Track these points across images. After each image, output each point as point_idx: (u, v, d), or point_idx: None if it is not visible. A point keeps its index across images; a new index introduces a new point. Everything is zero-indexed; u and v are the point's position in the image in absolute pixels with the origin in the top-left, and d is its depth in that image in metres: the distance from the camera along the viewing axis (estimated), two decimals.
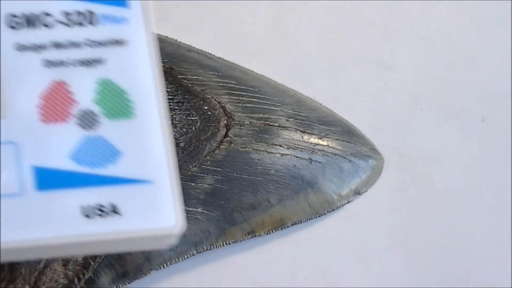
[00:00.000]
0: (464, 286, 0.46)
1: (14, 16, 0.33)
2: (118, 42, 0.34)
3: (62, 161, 0.32)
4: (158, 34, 0.42)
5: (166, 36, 0.45)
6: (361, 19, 0.50)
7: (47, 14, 0.33)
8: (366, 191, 0.46)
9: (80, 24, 0.34)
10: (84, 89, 0.33)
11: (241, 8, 0.49)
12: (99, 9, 0.34)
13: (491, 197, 0.48)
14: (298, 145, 0.45)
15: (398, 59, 0.50)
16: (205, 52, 0.45)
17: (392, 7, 0.51)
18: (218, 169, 0.44)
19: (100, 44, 0.34)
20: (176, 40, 0.45)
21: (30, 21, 0.33)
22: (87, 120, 0.33)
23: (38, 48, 0.33)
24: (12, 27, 0.33)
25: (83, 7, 0.34)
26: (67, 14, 0.34)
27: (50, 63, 0.33)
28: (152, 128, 0.34)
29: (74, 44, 0.33)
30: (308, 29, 0.50)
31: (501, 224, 0.47)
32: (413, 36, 0.50)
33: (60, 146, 0.32)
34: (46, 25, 0.33)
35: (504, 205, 0.48)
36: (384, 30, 0.50)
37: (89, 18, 0.34)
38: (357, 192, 0.46)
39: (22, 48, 0.33)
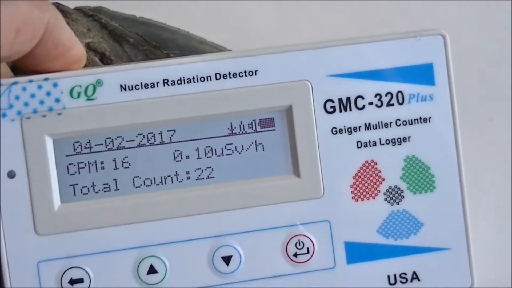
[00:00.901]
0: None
1: (331, 101, 0.35)
2: (423, 119, 0.36)
3: (370, 236, 0.36)
4: (171, 26, 0.43)
5: (179, 28, 0.44)
6: (362, 19, 0.49)
7: (361, 97, 0.35)
8: None
9: (390, 104, 0.35)
10: (391, 167, 0.36)
11: (253, 4, 0.48)
12: (408, 88, 0.35)
13: (495, 197, 0.48)
14: None
15: None
16: (217, 44, 0.45)
17: (392, 7, 0.49)
18: None
19: (407, 122, 0.35)
20: (188, 32, 0.45)
21: (345, 105, 0.35)
22: (394, 196, 0.36)
23: (351, 130, 0.35)
24: (328, 112, 0.35)
25: (394, 88, 0.35)
26: (378, 95, 0.35)
27: (362, 144, 0.35)
28: (452, 200, 0.36)
29: (384, 124, 0.35)
30: (316, 26, 0.49)
31: (501, 224, 0.48)
32: None
33: (369, 222, 0.36)
34: (358, 108, 0.35)
35: (507, 205, 0.48)
36: (384, 30, 0.49)
37: (398, 98, 0.35)
38: None
39: (337, 131, 0.35)
